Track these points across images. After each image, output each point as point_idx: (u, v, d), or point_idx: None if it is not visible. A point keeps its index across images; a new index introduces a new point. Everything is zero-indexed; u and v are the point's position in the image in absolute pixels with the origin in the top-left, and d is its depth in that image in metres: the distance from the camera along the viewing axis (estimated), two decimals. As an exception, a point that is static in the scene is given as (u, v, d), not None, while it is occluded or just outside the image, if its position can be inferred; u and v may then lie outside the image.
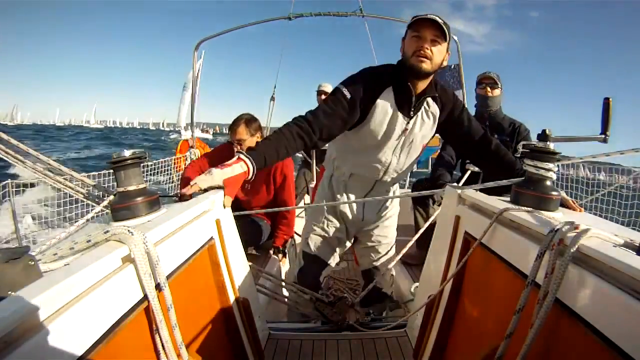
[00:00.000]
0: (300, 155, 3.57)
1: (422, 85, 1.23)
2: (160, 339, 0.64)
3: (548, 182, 0.86)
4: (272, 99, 3.84)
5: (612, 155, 0.94)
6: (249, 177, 1.05)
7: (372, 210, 1.57)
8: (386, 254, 1.66)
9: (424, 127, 1.31)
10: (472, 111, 2.15)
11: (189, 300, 0.83)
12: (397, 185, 1.63)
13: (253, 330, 1.13)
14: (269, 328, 1.39)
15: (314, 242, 1.60)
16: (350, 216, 1.55)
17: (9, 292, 0.44)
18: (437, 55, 1.15)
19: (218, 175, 1.00)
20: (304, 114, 1.22)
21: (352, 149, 1.38)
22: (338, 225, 1.57)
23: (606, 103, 0.90)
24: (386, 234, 1.64)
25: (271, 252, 2.21)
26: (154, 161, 4.53)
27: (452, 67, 3.55)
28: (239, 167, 1.02)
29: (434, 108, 1.30)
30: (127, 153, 0.78)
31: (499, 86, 2.05)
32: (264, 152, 1.08)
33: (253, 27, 3.46)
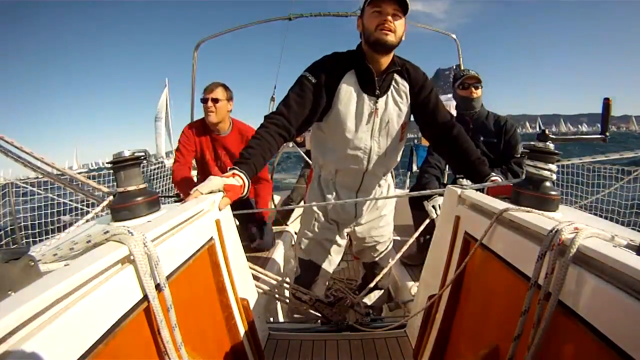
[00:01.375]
0: (301, 154, 3.58)
1: (384, 62, 1.24)
2: (161, 339, 0.64)
3: (548, 183, 0.86)
4: (272, 99, 3.84)
5: (611, 156, 0.94)
6: (244, 192, 1.05)
7: (365, 208, 1.54)
8: (384, 251, 1.66)
9: (397, 105, 1.31)
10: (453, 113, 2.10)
11: (189, 301, 0.83)
12: (390, 183, 1.61)
13: (253, 330, 1.13)
14: (269, 328, 1.39)
15: (307, 247, 1.57)
16: (342, 215, 1.52)
17: (9, 292, 0.44)
18: (399, 28, 1.18)
19: (218, 180, 1.01)
20: (276, 107, 1.24)
21: (330, 141, 1.36)
22: (329, 227, 1.53)
23: (606, 103, 0.90)
24: (382, 233, 1.62)
25: (259, 240, 2.16)
26: (155, 162, 4.54)
27: (454, 67, 3.56)
28: (234, 180, 1.03)
29: (403, 84, 1.30)
30: (127, 153, 0.78)
31: (481, 85, 1.95)
32: (253, 162, 1.10)
33: (253, 27, 3.46)
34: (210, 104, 1.92)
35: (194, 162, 2.27)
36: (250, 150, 1.12)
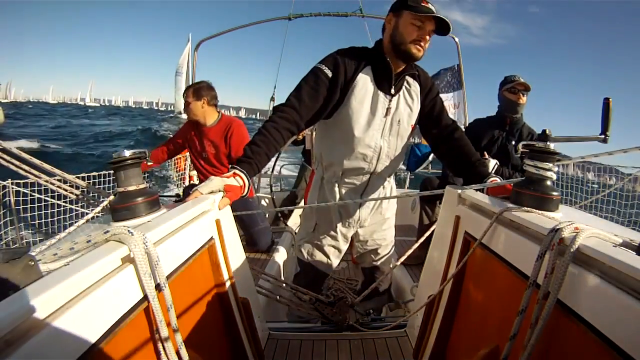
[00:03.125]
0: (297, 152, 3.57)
1: (402, 64, 1.23)
2: (160, 339, 0.63)
3: (548, 182, 0.86)
4: (272, 99, 3.84)
5: (614, 153, 0.94)
6: (244, 192, 1.05)
7: (369, 210, 1.50)
8: (385, 255, 1.63)
9: (409, 106, 1.30)
10: (493, 112, 2.14)
11: (189, 300, 0.83)
12: (393, 185, 1.58)
13: (253, 330, 1.13)
14: (269, 328, 1.39)
15: (307, 250, 1.55)
16: (345, 218, 1.47)
17: (9, 292, 0.44)
18: (428, 44, 1.19)
19: (218, 181, 1.00)
20: (286, 99, 1.20)
21: (338, 139, 1.31)
22: (330, 232, 1.50)
23: (606, 103, 0.90)
24: (385, 237, 1.59)
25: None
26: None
27: (454, 67, 3.56)
28: (234, 181, 1.03)
29: (415, 86, 1.30)
30: (127, 153, 0.78)
31: (528, 93, 2.03)
32: (255, 161, 1.08)
33: (253, 27, 3.47)
34: (185, 106, 2.29)
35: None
36: (254, 147, 1.09)
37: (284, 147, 1.19)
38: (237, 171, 1.04)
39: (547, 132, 0.88)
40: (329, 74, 1.18)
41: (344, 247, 1.56)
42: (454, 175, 1.62)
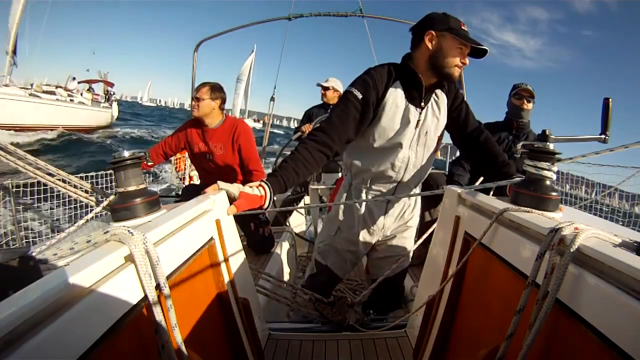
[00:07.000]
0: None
1: (434, 79, 1.26)
2: (160, 339, 0.63)
3: (548, 182, 0.86)
4: (272, 99, 3.84)
5: (615, 150, 0.93)
6: (265, 204, 1.05)
7: (392, 219, 1.49)
8: (400, 265, 1.57)
9: (436, 117, 1.32)
10: (501, 118, 2.22)
11: (189, 300, 0.83)
12: (419, 196, 1.55)
13: (253, 330, 1.13)
14: (269, 328, 1.39)
15: (325, 252, 1.54)
16: (370, 225, 1.46)
17: (9, 292, 0.44)
18: None
19: (237, 186, 1.03)
20: (318, 125, 1.25)
21: (370, 149, 1.34)
22: (353, 239, 1.48)
23: (606, 103, 0.90)
24: (404, 245, 1.56)
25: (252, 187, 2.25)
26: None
27: None
28: (257, 190, 1.04)
29: (443, 97, 1.32)
30: (127, 153, 0.78)
31: (534, 100, 2.11)
32: (281, 174, 1.10)
33: (253, 28, 3.47)
34: (194, 102, 2.24)
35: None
36: (282, 164, 1.13)
37: (318, 168, 1.22)
38: (262, 183, 1.06)
39: (547, 132, 0.88)
40: (359, 95, 1.21)
41: (364, 253, 1.55)
42: (482, 175, 1.63)
